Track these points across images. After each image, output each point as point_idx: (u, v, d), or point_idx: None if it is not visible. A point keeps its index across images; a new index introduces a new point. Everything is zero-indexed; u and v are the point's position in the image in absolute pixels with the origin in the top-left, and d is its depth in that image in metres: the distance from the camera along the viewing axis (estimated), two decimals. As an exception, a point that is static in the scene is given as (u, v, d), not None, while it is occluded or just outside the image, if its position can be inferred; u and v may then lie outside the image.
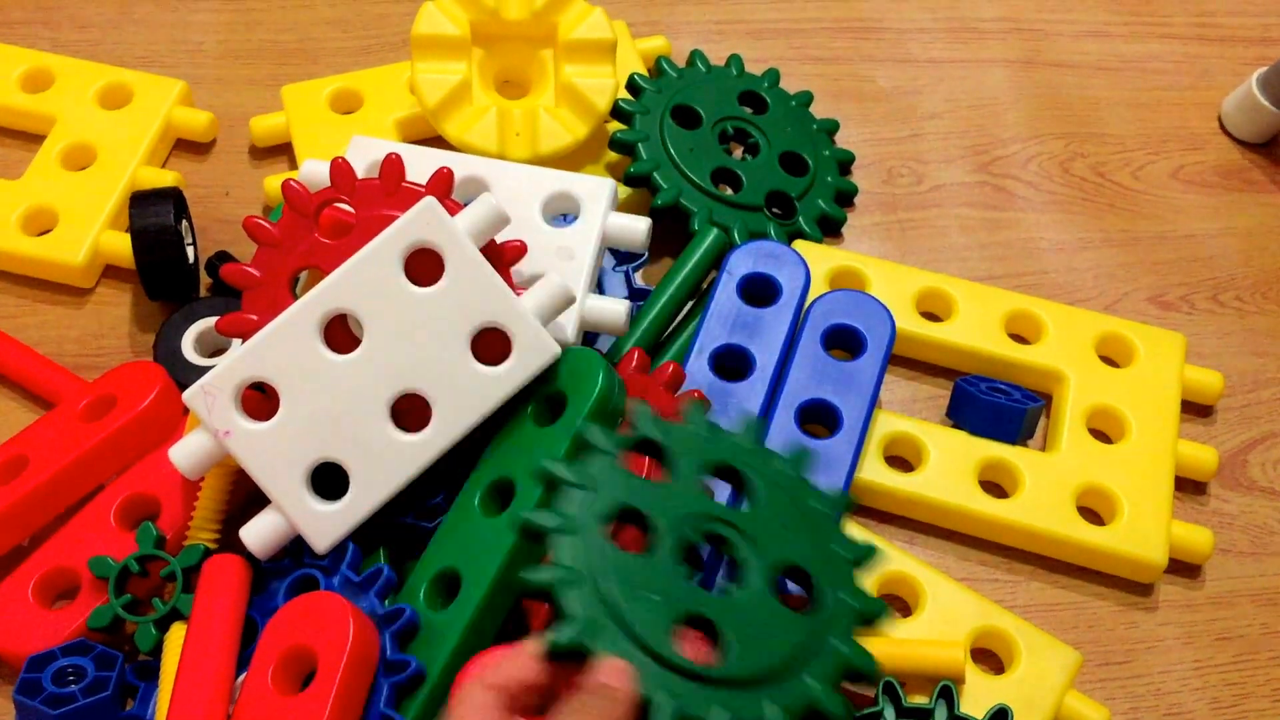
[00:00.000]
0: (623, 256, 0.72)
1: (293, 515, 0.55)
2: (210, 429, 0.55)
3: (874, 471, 0.64)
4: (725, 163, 0.74)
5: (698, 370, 0.64)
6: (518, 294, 0.57)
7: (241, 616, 0.54)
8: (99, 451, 0.60)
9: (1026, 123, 0.85)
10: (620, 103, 0.74)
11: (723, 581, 0.52)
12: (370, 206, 0.60)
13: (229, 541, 0.58)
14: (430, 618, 0.53)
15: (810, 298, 0.67)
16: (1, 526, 0.59)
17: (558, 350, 0.56)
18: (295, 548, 0.57)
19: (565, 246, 0.64)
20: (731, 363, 0.65)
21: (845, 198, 0.78)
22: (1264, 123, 0.84)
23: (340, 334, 0.57)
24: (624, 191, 0.73)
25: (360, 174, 0.64)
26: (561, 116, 0.72)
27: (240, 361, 0.55)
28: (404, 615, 0.52)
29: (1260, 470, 0.70)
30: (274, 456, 0.55)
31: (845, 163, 0.80)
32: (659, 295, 0.68)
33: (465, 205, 0.61)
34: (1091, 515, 0.65)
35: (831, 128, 0.80)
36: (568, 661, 0.42)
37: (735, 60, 0.80)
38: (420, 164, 0.64)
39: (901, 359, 0.71)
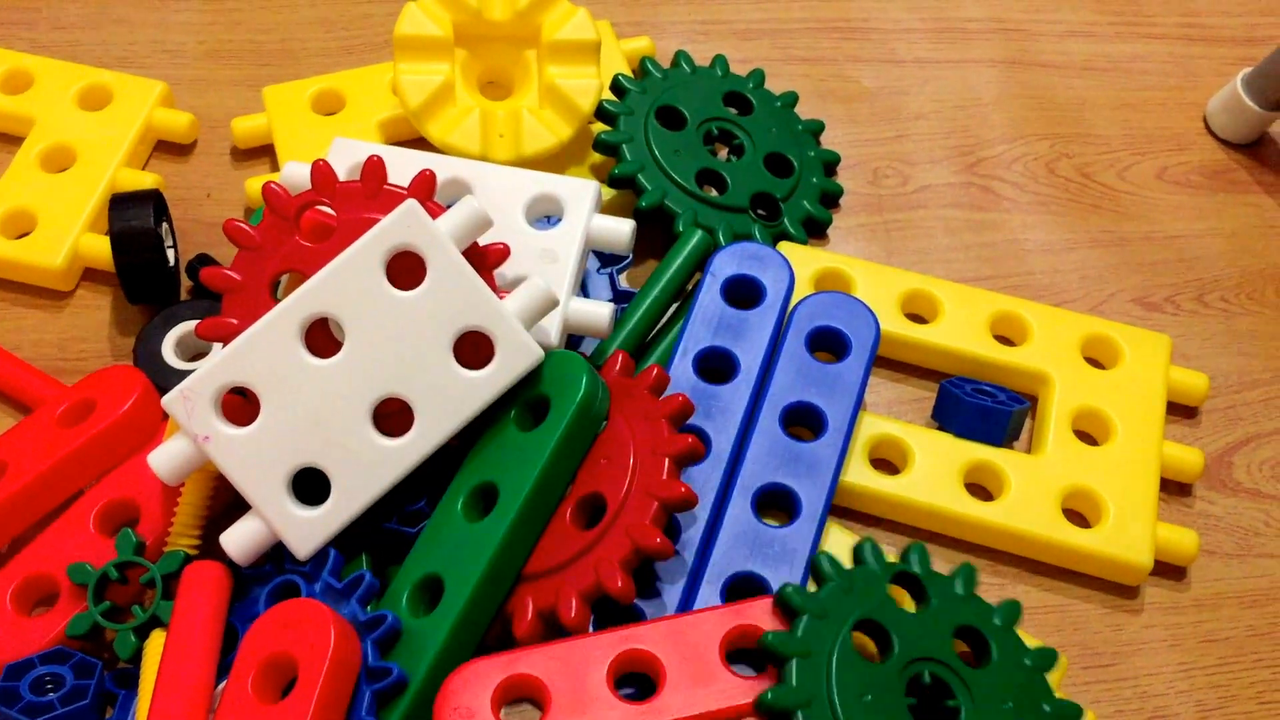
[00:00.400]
0: (607, 259, 0.71)
1: (274, 521, 0.55)
2: (190, 434, 0.55)
3: (859, 474, 0.64)
4: (710, 164, 0.74)
5: (681, 373, 0.63)
6: (501, 297, 0.57)
7: (222, 623, 0.54)
8: (77, 457, 0.59)
9: (1012, 123, 0.85)
10: (604, 104, 0.73)
11: None
12: (352, 209, 0.60)
13: (210, 548, 0.57)
14: (413, 624, 0.53)
15: (795, 299, 0.67)
16: (-22, 532, 0.58)
17: (541, 354, 0.56)
18: (276, 554, 0.56)
19: (549, 249, 0.64)
20: (715, 365, 0.65)
21: (831, 199, 0.78)
22: (1249, 123, 0.84)
23: (322, 338, 0.57)
24: (608, 193, 0.72)
25: (342, 176, 0.64)
26: (545, 118, 0.72)
27: (220, 366, 0.55)
28: (385, 622, 0.52)
29: (1245, 472, 0.70)
30: (254, 462, 0.55)
31: (831, 164, 0.79)
32: (643, 298, 0.68)
33: (448, 208, 0.60)
34: (1077, 518, 0.65)
35: (817, 129, 0.80)
36: None
37: (720, 61, 0.80)
38: (403, 166, 0.64)
39: (886, 361, 0.71)
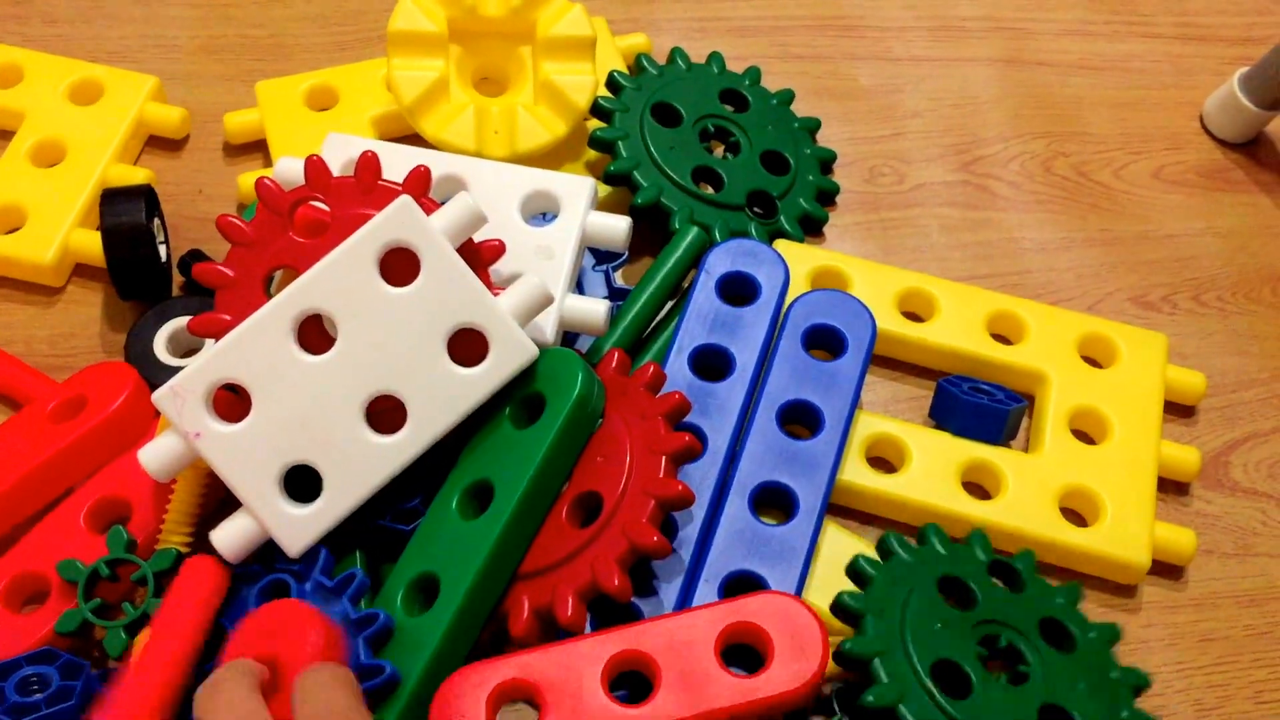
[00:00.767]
0: (602, 256, 0.71)
1: (264, 519, 0.54)
2: (180, 431, 0.54)
3: (856, 473, 0.64)
4: (706, 161, 0.73)
5: (677, 370, 0.63)
6: (495, 294, 0.56)
7: (209, 618, 0.53)
8: (68, 454, 0.59)
9: (1008, 122, 0.85)
10: (600, 100, 0.73)
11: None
12: (345, 205, 0.59)
13: (202, 545, 0.57)
14: (408, 622, 0.53)
15: (791, 297, 0.66)
16: (-32, 531, 0.58)
17: (535, 351, 0.56)
18: (267, 552, 0.56)
19: (544, 246, 0.63)
20: (711, 362, 0.64)
21: (827, 197, 0.78)
22: (1246, 122, 0.84)
23: (314, 334, 0.57)
24: (603, 190, 0.72)
25: (336, 171, 0.63)
26: (540, 114, 0.71)
27: (212, 362, 0.54)
28: (378, 620, 0.51)
29: (1243, 471, 0.69)
30: (245, 459, 0.54)
31: (827, 161, 0.79)
32: (638, 295, 0.68)
33: (443, 204, 0.60)
34: (1074, 516, 0.65)
35: (813, 126, 0.80)
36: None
37: (716, 58, 0.80)
38: (397, 162, 0.64)
39: (883, 359, 0.71)
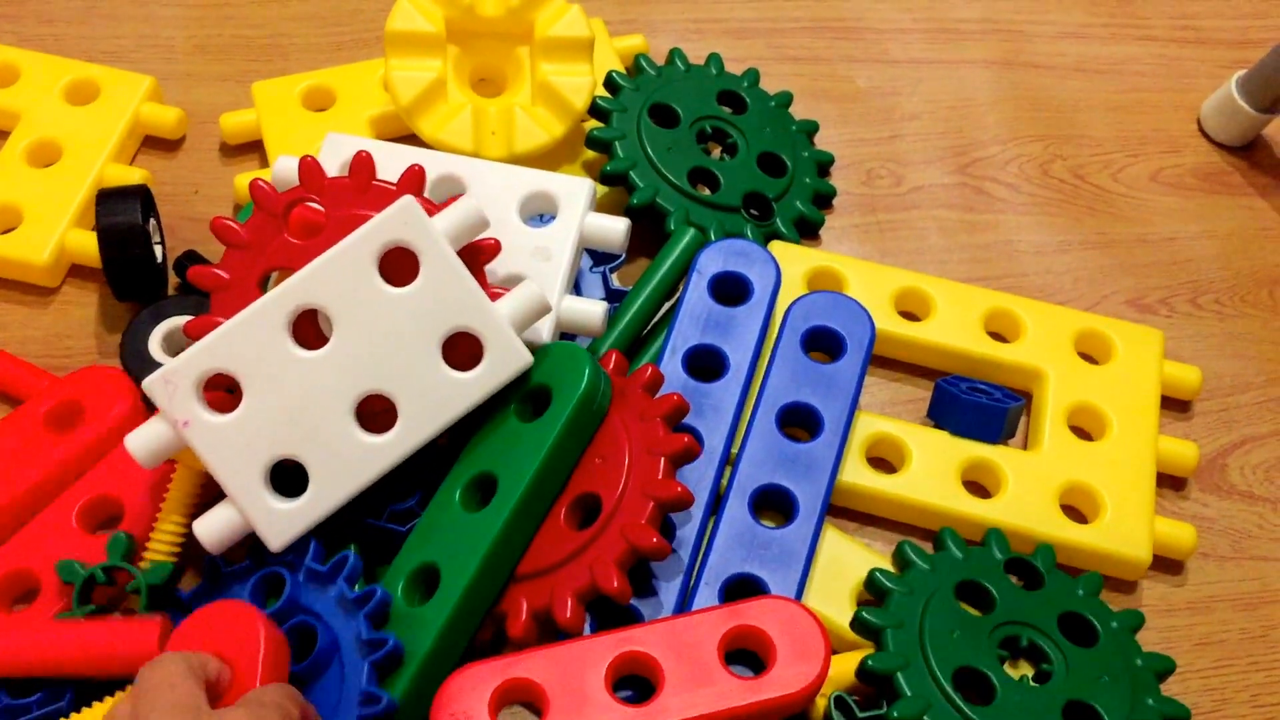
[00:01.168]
0: (600, 257, 0.71)
1: (248, 511, 0.54)
2: (169, 418, 0.54)
3: (856, 473, 0.63)
4: (703, 162, 0.73)
5: (671, 370, 0.63)
6: (492, 297, 0.56)
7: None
8: (69, 466, 0.59)
9: (1006, 124, 0.85)
10: (597, 100, 0.73)
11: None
12: (340, 206, 0.59)
13: (191, 549, 0.57)
14: (408, 613, 0.52)
15: (788, 299, 0.66)
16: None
17: (529, 359, 0.56)
18: (257, 550, 0.55)
19: (542, 246, 0.63)
20: (705, 362, 0.64)
21: (824, 199, 0.78)
22: (1243, 125, 0.84)
23: (309, 330, 0.56)
24: (600, 190, 0.72)
25: (335, 171, 0.63)
26: (538, 115, 0.71)
27: (204, 351, 0.54)
28: (375, 596, 0.51)
29: (1239, 474, 0.69)
30: (233, 450, 0.54)
31: (824, 164, 0.79)
32: (635, 296, 0.67)
33: (442, 205, 0.60)
34: (1075, 513, 0.65)
35: (811, 129, 0.80)
36: None
37: (714, 59, 0.80)
38: (396, 162, 0.63)
39: (881, 360, 0.71)
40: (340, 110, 0.76)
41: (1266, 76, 0.81)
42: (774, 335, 0.65)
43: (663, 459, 0.55)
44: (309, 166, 0.60)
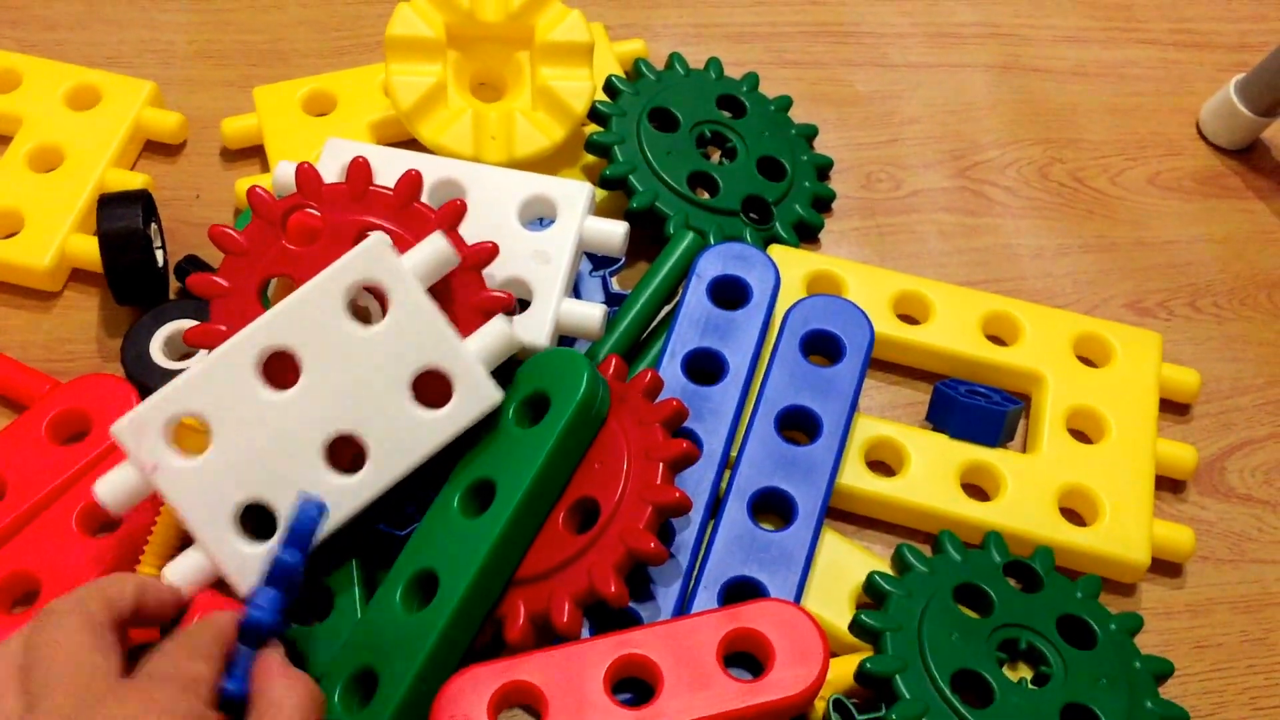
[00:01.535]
0: (599, 261, 0.71)
1: (216, 555, 0.53)
2: (137, 462, 0.53)
3: (855, 476, 0.64)
4: (702, 166, 0.73)
5: (670, 374, 0.63)
6: (491, 301, 0.56)
7: None
8: (77, 477, 0.59)
9: (1005, 128, 0.85)
10: (597, 104, 0.73)
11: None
12: (337, 211, 0.59)
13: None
14: (406, 619, 0.52)
15: (787, 303, 0.66)
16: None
17: (499, 397, 0.55)
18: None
19: (541, 250, 0.63)
20: (704, 366, 0.64)
21: (823, 203, 0.78)
22: (1242, 129, 0.84)
23: (281, 369, 0.55)
24: (600, 194, 0.72)
25: (336, 177, 0.63)
26: (538, 119, 0.71)
27: (172, 394, 0.53)
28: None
29: (1238, 477, 0.70)
30: (201, 494, 0.53)
31: (823, 168, 0.79)
32: (634, 300, 0.68)
33: (439, 209, 0.60)
34: (1074, 516, 0.65)
35: (810, 133, 0.80)
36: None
37: (714, 64, 0.80)
38: (397, 167, 0.63)
39: (880, 363, 0.71)
40: (341, 115, 0.77)
41: (1265, 80, 0.81)
42: (773, 338, 0.66)
43: (661, 464, 0.55)
44: (305, 173, 0.60)
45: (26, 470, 0.60)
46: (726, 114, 0.77)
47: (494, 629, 0.55)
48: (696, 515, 0.59)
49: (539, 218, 0.66)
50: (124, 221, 0.64)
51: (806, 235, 0.76)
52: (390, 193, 0.59)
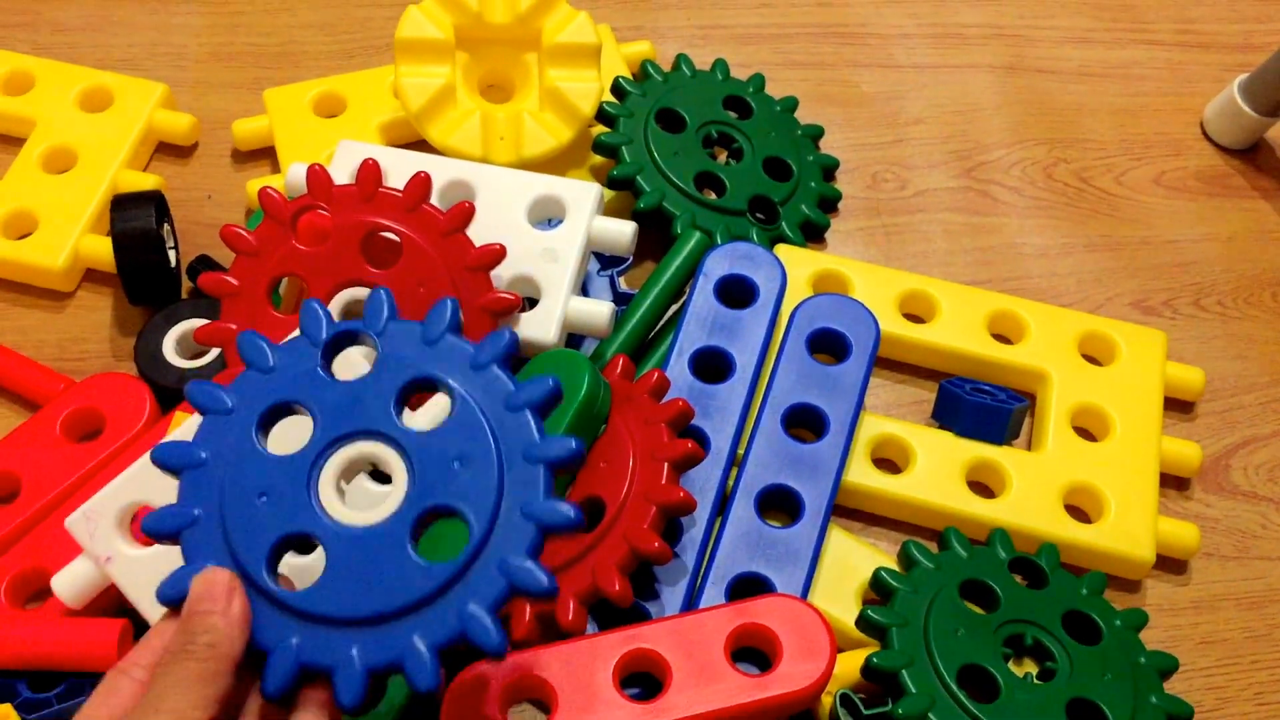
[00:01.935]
0: (607, 261, 0.72)
1: None
2: (92, 556, 0.53)
3: (862, 474, 0.64)
4: (709, 167, 0.74)
5: (678, 373, 0.63)
6: (499, 302, 0.56)
7: None
8: (90, 475, 0.60)
9: (1010, 128, 0.86)
10: (604, 105, 0.74)
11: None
12: (347, 213, 0.60)
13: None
14: None
15: (794, 302, 0.67)
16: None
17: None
18: None
19: (550, 249, 0.64)
20: (711, 364, 0.65)
21: (829, 203, 0.78)
22: (1246, 129, 0.84)
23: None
24: (607, 194, 0.73)
25: (348, 178, 0.64)
26: (546, 121, 0.72)
27: (124, 485, 0.53)
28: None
29: (1243, 474, 0.70)
30: (153, 583, 0.50)
31: (829, 168, 0.80)
32: (642, 299, 0.68)
33: (447, 210, 0.61)
34: (1079, 513, 0.65)
35: (816, 133, 0.80)
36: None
37: (720, 65, 0.80)
38: (407, 168, 0.64)
39: (886, 361, 0.71)
40: (351, 117, 0.77)
41: (1269, 80, 0.81)
42: (779, 337, 0.66)
43: (666, 464, 0.55)
44: (316, 175, 0.60)
45: (41, 468, 0.60)
46: (733, 115, 0.78)
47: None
48: (704, 512, 0.59)
49: (548, 218, 0.67)
50: (137, 222, 0.65)
51: (812, 235, 0.77)
52: (399, 194, 0.60)
